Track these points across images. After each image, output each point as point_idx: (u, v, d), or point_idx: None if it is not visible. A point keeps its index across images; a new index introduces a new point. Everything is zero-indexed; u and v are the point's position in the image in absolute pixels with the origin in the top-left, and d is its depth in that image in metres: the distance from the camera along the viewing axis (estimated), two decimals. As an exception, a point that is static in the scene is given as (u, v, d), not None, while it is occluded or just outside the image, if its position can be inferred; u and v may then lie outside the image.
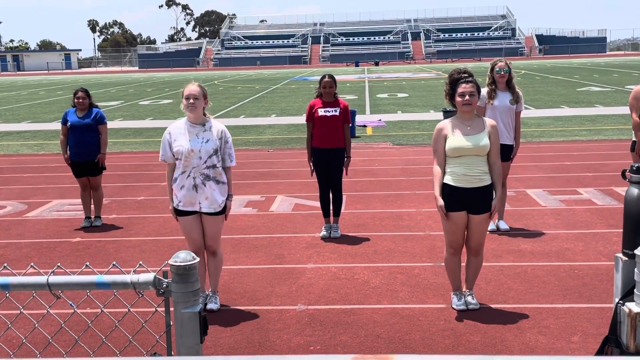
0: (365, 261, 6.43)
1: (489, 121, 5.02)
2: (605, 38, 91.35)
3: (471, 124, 4.91)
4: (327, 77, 7.18)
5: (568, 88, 28.77)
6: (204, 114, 5.12)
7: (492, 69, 7.05)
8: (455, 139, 4.84)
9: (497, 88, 7.05)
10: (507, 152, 7.10)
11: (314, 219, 7.99)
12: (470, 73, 4.97)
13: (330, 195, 7.33)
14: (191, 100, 4.98)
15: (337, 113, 7.08)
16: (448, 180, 4.94)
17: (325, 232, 7.34)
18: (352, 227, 7.64)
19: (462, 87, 4.86)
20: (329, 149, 7.15)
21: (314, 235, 7.37)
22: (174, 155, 5.08)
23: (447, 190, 4.95)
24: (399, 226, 7.60)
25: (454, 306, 5.18)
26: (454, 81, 4.93)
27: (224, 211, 5.20)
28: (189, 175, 5.01)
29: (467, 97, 4.84)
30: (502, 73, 6.99)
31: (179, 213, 5.18)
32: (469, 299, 5.20)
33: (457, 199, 4.92)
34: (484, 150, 4.86)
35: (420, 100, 25.01)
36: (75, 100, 7.90)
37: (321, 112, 7.08)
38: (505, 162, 7.19)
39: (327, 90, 7.10)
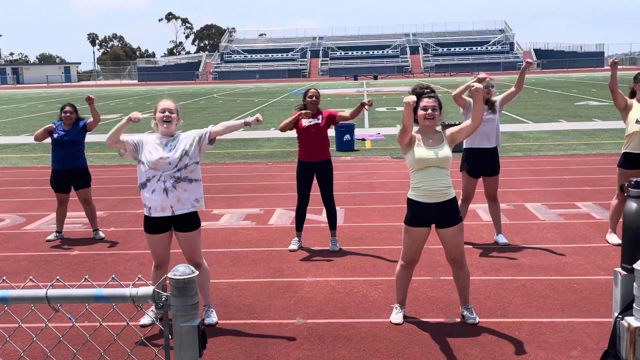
0: (364, 275, 6.42)
1: (447, 131, 5.09)
2: (603, 52, 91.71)
3: (433, 137, 4.99)
4: (312, 88, 7.36)
5: (566, 102, 28.87)
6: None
7: None
8: (420, 150, 4.91)
9: None
10: (493, 157, 7.17)
11: (312, 232, 7.98)
12: (432, 89, 5.05)
13: (324, 210, 7.34)
14: (167, 113, 5.02)
15: (320, 121, 7.15)
16: (412, 195, 5.00)
17: (294, 246, 7.35)
18: (351, 241, 7.64)
19: (425, 102, 4.95)
20: (314, 163, 7.18)
21: (313, 249, 7.37)
22: (134, 150, 5.06)
23: (412, 205, 5.01)
24: (398, 240, 7.59)
25: (391, 319, 5.22)
26: (416, 96, 4.99)
27: (198, 225, 5.15)
28: (159, 179, 4.96)
29: (429, 111, 4.92)
30: (489, 88, 7.07)
31: (148, 230, 5.13)
32: (467, 313, 5.20)
33: (421, 215, 4.97)
34: (446, 161, 4.92)
35: (418, 114, 25.05)
36: (63, 115, 7.89)
37: (305, 122, 7.14)
38: (493, 177, 7.22)
39: (313, 101, 7.17)
